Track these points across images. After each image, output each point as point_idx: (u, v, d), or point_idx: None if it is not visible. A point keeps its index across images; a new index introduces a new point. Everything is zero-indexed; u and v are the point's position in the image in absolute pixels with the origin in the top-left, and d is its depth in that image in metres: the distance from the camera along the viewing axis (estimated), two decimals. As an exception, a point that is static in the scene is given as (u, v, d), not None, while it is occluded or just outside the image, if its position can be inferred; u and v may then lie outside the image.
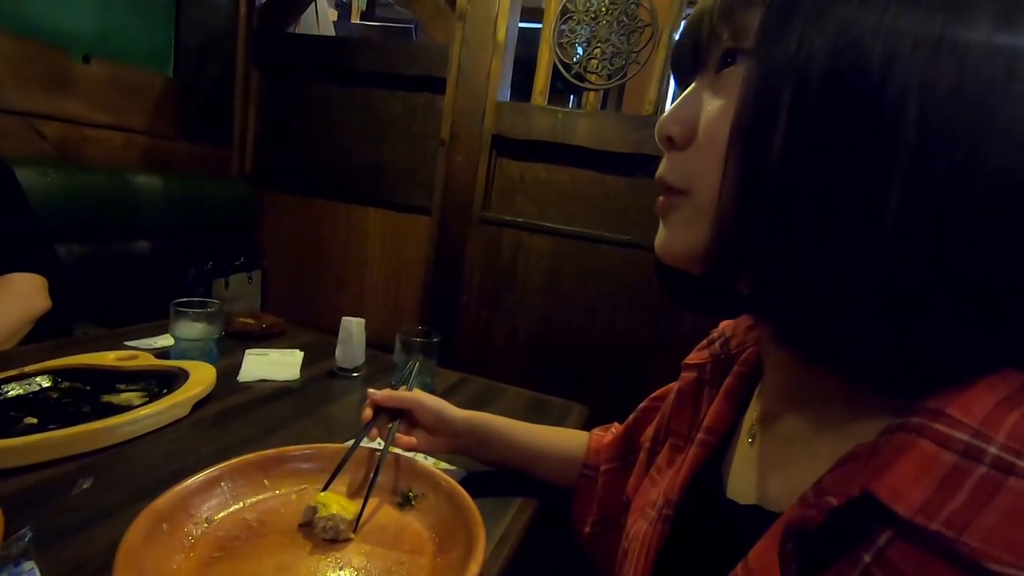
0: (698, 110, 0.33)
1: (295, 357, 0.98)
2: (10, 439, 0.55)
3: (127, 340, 0.96)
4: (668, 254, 0.35)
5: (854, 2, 0.26)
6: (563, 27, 1.63)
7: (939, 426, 0.24)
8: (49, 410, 0.65)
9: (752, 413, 0.41)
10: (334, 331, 1.20)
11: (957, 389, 0.25)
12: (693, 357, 0.50)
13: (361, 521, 0.53)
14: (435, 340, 0.91)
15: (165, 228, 1.64)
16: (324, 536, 0.51)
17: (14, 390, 0.67)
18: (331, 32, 2.71)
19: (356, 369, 0.96)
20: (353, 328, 0.95)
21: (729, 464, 0.40)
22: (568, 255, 1.69)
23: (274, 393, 0.85)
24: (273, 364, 0.93)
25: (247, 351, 0.98)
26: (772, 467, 0.35)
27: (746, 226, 0.29)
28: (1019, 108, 0.24)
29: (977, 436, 0.23)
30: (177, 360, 0.85)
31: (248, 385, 0.86)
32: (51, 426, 0.61)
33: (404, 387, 0.72)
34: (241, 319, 1.07)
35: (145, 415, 0.65)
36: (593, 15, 1.61)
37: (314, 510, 0.52)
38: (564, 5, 1.62)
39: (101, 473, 0.58)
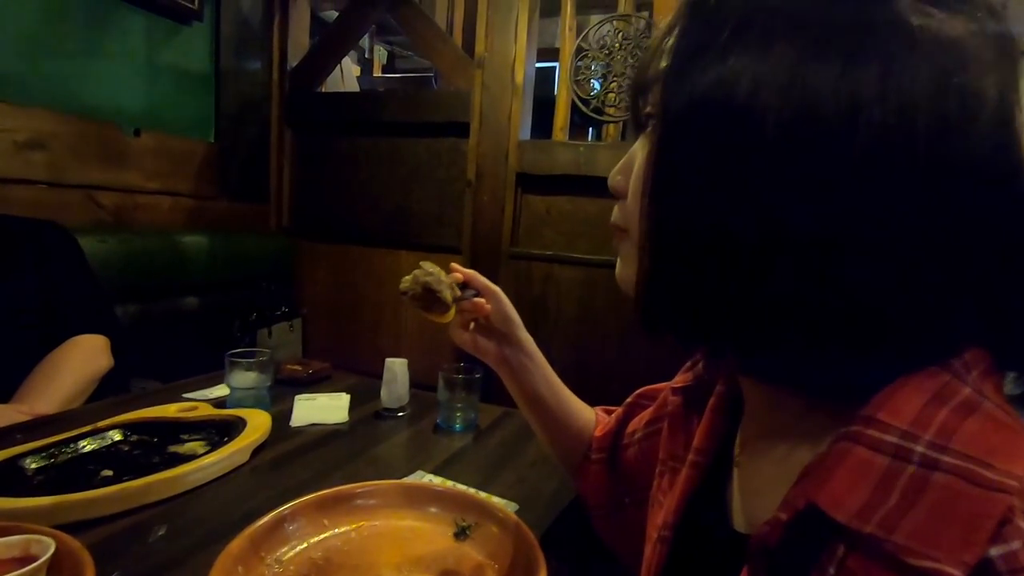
0: (633, 163, 0.37)
1: (342, 400, 1.01)
2: (92, 491, 0.59)
3: (185, 392, 1.01)
4: (621, 283, 0.39)
5: (726, 71, 0.29)
6: (579, 64, 1.69)
7: (871, 431, 0.26)
8: (122, 462, 0.69)
9: (739, 436, 0.41)
10: (375, 373, 1.24)
11: (888, 393, 0.27)
12: (679, 380, 0.50)
13: (416, 556, 0.55)
14: (477, 376, 0.93)
15: (211, 283, 1.72)
16: (423, 302, 0.55)
17: (89, 445, 0.72)
18: (355, 87, 2.85)
19: (401, 409, 0.98)
20: (397, 369, 0.98)
21: (727, 488, 0.41)
22: (600, 284, 1.71)
23: (325, 436, 0.87)
24: (322, 408, 0.97)
25: (296, 397, 1.01)
26: (755, 490, 0.37)
27: (656, 263, 0.33)
28: (867, 140, 0.25)
29: (905, 436, 0.25)
30: (234, 409, 0.89)
31: (300, 430, 0.89)
32: (125, 477, 0.64)
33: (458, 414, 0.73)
34: (289, 366, 1.11)
35: (209, 463, 0.68)
36: (607, 51, 1.66)
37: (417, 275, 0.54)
38: (578, 45, 1.68)
39: (173, 520, 0.61)
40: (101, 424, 0.75)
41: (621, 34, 1.64)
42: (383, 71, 4.57)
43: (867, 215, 0.26)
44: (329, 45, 2.08)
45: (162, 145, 1.67)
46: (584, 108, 1.69)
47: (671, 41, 0.32)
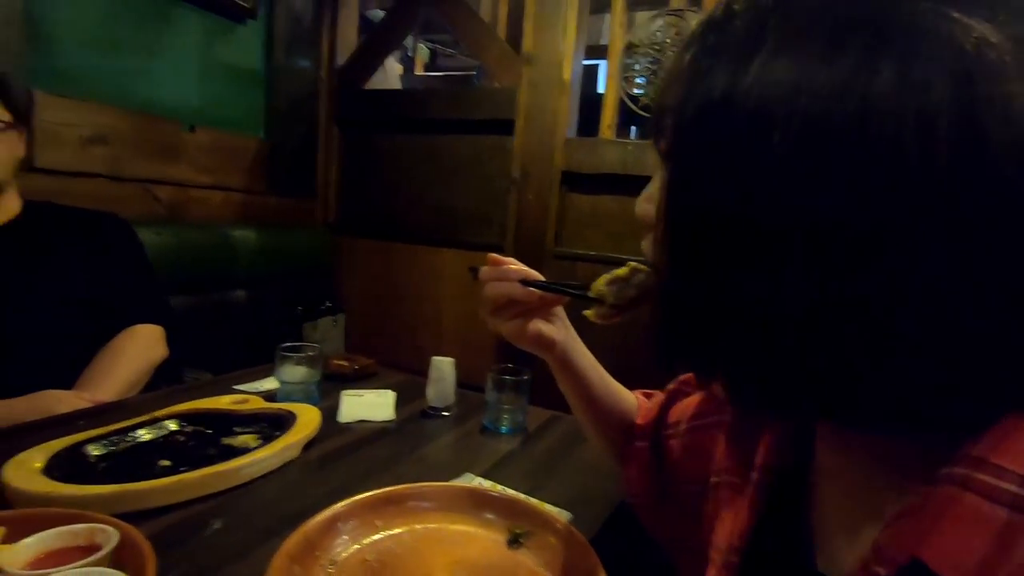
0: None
1: (388, 398, 1.01)
2: (152, 481, 0.59)
3: (235, 384, 1.02)
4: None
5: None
6: (628, 61, 1.65)
7: (985, 477, 0.23)
8: (179, 453, 0.69)
9: (817, 456, 0.38)
10: (413, 370, 1.23)
11: (1002, 433, 0.24)
12: None
13: (470, 562, 0.53)
14: (526, 378, 0.91)
15: (258, 277, 1.75)
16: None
17: (147, 434, 0.73)
18: (398, 85, 2.87)
19: (447, 408, 0.97)
20: (444, 368, 0.96)
21: (801, 514, 0.37)
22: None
23: (373, 434, 0.87)
24: (369, 405, 0.96)
25: (343, 392, 1.01)
26: (835, 527, 0.34)
27: (673, 292, 0.31)
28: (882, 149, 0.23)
29: None
30: (284, 403, 0.89)
31: (348, 426, 0.88)
32: (182, 468, 0.65)
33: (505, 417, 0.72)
34: (336, 362, 1.12)
35: (263, 457, 0.68)
36: (658, 47, 1.62)
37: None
38: (629, 41, 1.64)
39: (228, 513, 0.61)
40: (159, 414, 0.77)
41: (674, 29, 1.59)
42: (425, 70, 4.60)
43: (889, 229, 0.24)
44: (376, 43, 2.09)
45: (215, 141, 1.71)
46: (633, 106, 1.65)
47: (686, 62, 0.31)
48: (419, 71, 4.46)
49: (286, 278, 1.85)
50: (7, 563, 0.44)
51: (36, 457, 0.62)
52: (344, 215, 2.13)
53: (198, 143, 1.66)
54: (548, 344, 0.59)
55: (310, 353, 0.94)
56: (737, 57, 0.28)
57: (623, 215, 1.72)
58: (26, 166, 1.06)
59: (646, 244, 0.38)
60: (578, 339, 0.63)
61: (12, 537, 0.49)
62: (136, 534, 0.48)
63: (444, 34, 4.09)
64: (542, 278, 0.57)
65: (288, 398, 0.94)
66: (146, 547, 0.47)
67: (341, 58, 2.06)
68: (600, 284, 0.46)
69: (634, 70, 1.63)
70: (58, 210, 1.11)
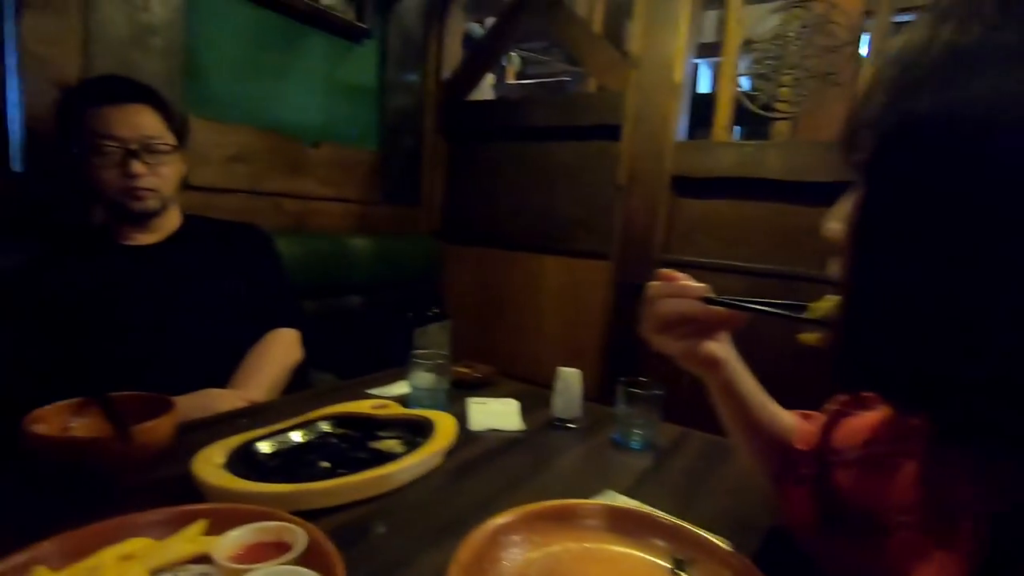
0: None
1: (512, 407, 1.01)
2: (323, 482, 0.62)
3: (367, 388, 1.06)
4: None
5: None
6: (746, 57, 1.57)
7: None
8: (334, 455, 0.73)
9: None
10: (516, 377, 1.23)
11: None
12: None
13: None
14: (659, 393, 0.87)
15: (371, 284, 1.83)
16: None
17: (304, 435, 0.77)
18: (491, 95, 2.92)
19: (573, 420, 0.96)
20: (571, 379, 0.95)
21: None
22: (764, 295, 1.57)
23: (504, 444, 0.87)
24: (496, 414, 0.97)
25: (468, 400, 1.03)
26: None
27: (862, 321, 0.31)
28: None
29: None
30: (416, 409, 0.92)
31: (479, 435, 0.89)
32: (340, 471, 0.68)
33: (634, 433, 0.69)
34: (457, 368, 1.14)
35: (413, 464, 0.70)
36: (780, 42, 1.53)
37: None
38: (746, 37, 1.56)
39: (386, 518, 0.63)
40: (311, 416, 0.81)
41: (799, 22, 1.49)
42: (517, 78, 4.65)
43: None
44: (480, 55, 2.14)
45: (335, 155, 1.82)
46: (750, 104, 1.57)
47: (891, 74, 0.30)
48: (511, 80, 4.52)
49: (397, 285, 1.92)
50: (217, 555, 0.47)
51: (217, 453, 0.67)
52: (448, 223, 2.19)
53: (320, 158, 1.77)
54: (713, 364, 0.57)
55: (440, 360, 0.96)
56: (952, 69, 0.26)
57: (738, 220, 1.64)
58: (184, 184, 1.17)
59: (834, 266, 0.36)
60: (740, 360, 0.60)
61: (212, 529, 0.53)
62: (321, 536, 0.50)
63: (537, 42, 4.12)
64: (710, 293, 0.54)
65: (418, 403, 0.97)
66: (332, 550, 0.49)
67: (446, 71, 2.12)
68: (826, 304, 0.42)
69: (755, 65, 1.55)
70: (211, 222, 1.22)
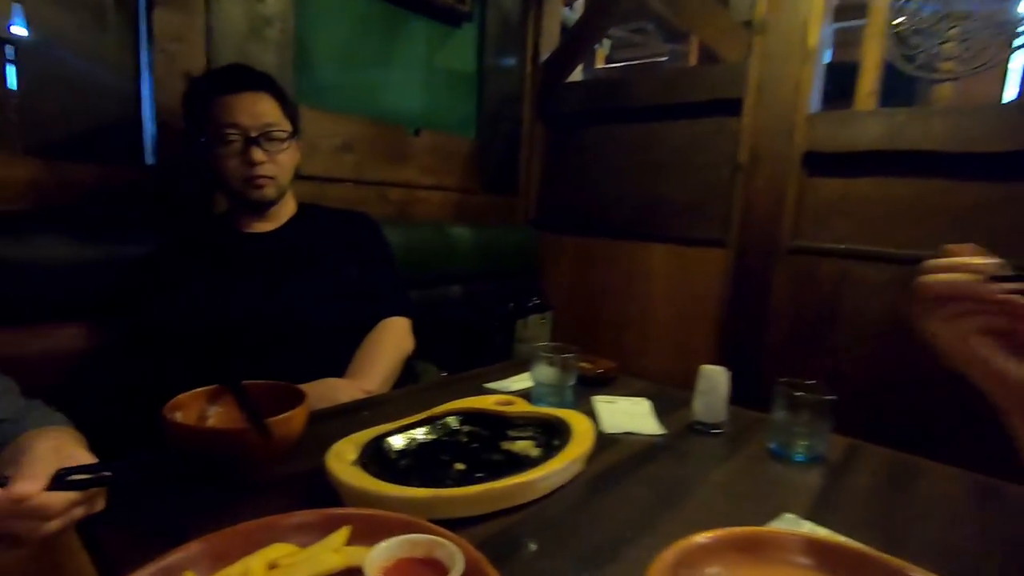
0: None
1: (644, 407, 0.91)
2: (463, 488, 0.56)
3: (485, 383, 1.00)
4: None
5: None
6: (901, 7, 1.35)
7: None
8: (466, 456, 0.67)
9: None
10: (637, 375, 1.13)
11: None
12: None
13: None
14: (832, 398, 0.74)
15: (471, 273, 1.79)
16: None
17: (431, 433, 0.72)
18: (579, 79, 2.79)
19: (718, 425, 0.84)
20: (717, 379, 0.84)
21: None
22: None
23: (645, 449, 0.78)
24: (629, 415, 0.88)
25: (594, 398, 0.94)
26: None
27: None
28: None
29: None
30: (541, 406, 0.85)
31: (616, 438, 0.80)
32: (477, 475, 0.61)
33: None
34: (578, 364, 1.05)
35: (558, 470, 0.62)
36: (944, -8, 1.31)
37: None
38: (901, -12, 1.35)
39: (533, 533, 0.56)
40: (437, 411, 0.76)
41: (971, -37, 1.27)
42: (606, 62, 4.49)
43: None
44: (581, 34, 2.03)
45: (436, 143, 1.79)
46: (906, 66, 1.36)
47: None
48: (600, 64, 4.37)
49: (495, 275, 1.87)
50: (368, 568, 0.42)
51: (348, 449, 0.63)
52: (546, 212, 2.11)
53: (422, 146, 1.75)
54: (1000, 378, 0.43)
55: (567, 355, 0.88)
56: None
57: (884, 199, 1.43)
58: (298, 174, 1.16)
59: None
60: None
61: (354, 536, 0.48)
62: (480, 557, 0.44)
63: (631, 22, 3.93)
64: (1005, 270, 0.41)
65: (542, 400, 0.89)
66: (488, 568, 0.42)
67: (544, 53, 2.04)
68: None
69: (912, 20, 1.34)
70: (324, 211, 1.21)
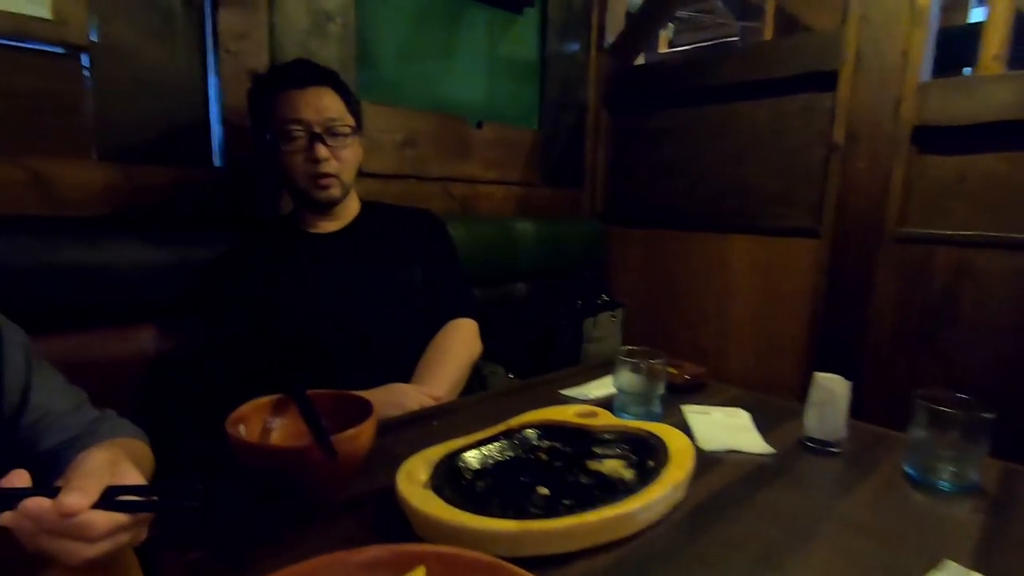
0: None
1: (743, 419, 0.81)
2: (554, 521, 0.48)
3: (561, 389, 0.93)
4: None
5: None
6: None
7: None
8: (548, 477, 0.59)
9: None
10: (726, 381, 1.01)
11: None
12: None
13: None
14: (988, 416, 0.61)
15: (536, 270, 1.71)
16: None
17: (508, 449, 0.64)
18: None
19: (836, 443, 0.73)
20: (836, 389, 0.72)
21: None
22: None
23: (754, 471, 0.67)
24: (728, 429, 0.77)
25: (685, 409, 0.84)
26: None
27: None
28: None
29: None
30: (625, 418, 0.76)
31: (716, 456, 0.70)
32: (565, 501, 0.54)
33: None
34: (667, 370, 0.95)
35: (659, 498, 0.54)
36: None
37: None
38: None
39: None
40: (513, 423, 0.68)
41: None
42: (669, 46, 4.29)
43: None
44: (649, 13, 1.91)
45: (498, 135, 1.72)
46: (1045, 20, 1.16)
47: None
48: (663, 48, 4.18)
49: (561, 271, 1.79)
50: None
51: (420, 468, 0.57)
52: (612, 204, 2.00)
53: (484, 139, 1.69)
54: None
55: (655, 361, 0.79)
56: None
57: (1012, 179, 1.24)
58: (360, 171, 1.12)
59: None
60: None
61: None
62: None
63: (691, 7, 3.73)
64: None
65: (625, 410, 0.81)
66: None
67: (610, 36, 1.93)
68: None
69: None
70: (388, 208, 1.16)
